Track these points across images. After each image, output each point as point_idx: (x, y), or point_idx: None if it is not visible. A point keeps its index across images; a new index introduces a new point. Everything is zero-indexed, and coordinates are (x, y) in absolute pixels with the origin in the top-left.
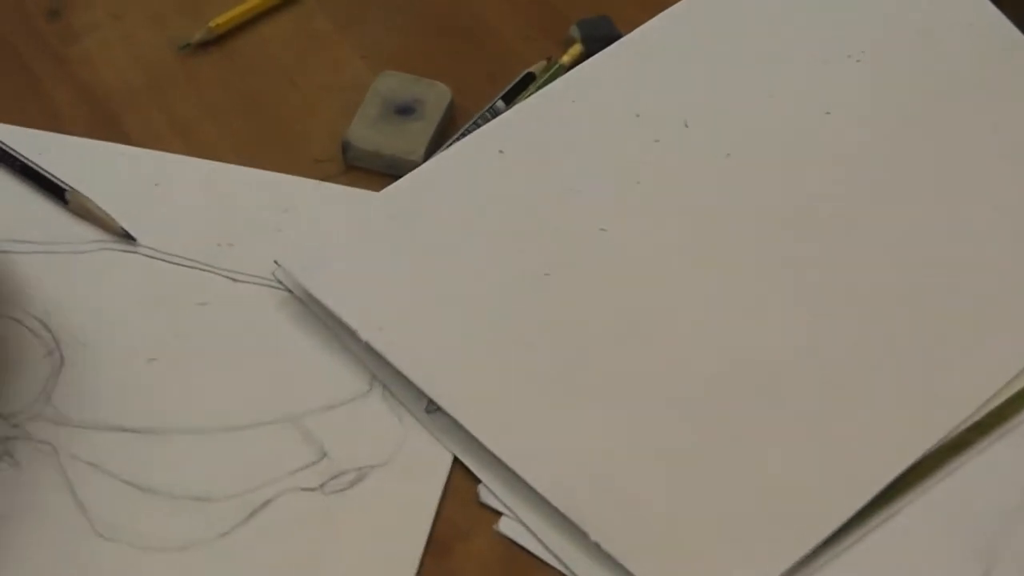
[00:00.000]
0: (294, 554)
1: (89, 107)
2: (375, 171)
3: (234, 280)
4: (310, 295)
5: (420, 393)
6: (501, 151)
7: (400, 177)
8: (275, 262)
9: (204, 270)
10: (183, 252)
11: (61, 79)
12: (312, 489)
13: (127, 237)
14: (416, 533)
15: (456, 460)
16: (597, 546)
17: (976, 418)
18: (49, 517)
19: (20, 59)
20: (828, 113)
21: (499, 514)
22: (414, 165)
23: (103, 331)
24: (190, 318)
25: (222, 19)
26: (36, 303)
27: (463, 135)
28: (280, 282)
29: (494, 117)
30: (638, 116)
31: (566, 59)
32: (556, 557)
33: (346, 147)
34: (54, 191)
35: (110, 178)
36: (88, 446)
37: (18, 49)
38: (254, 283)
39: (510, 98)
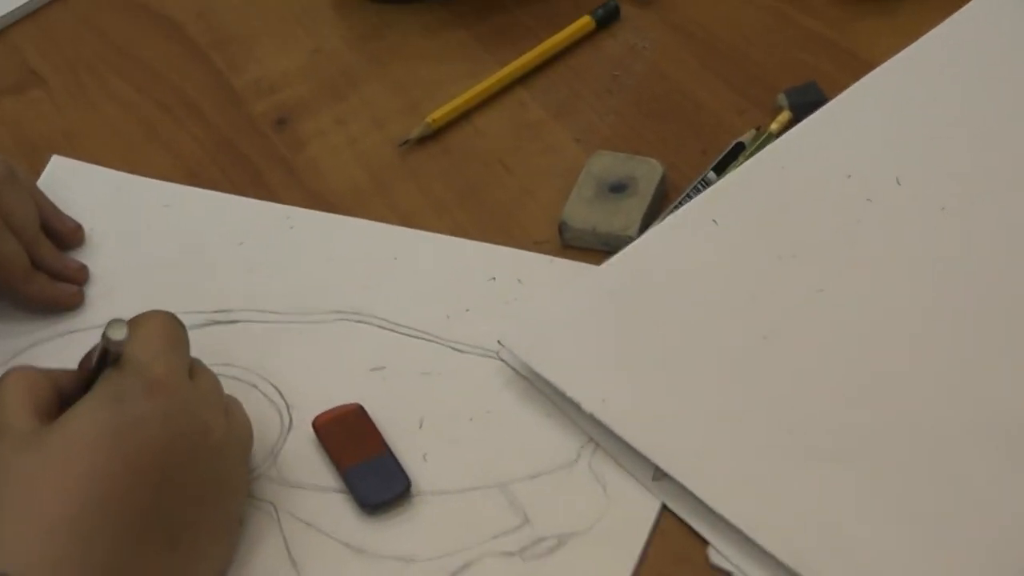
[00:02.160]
0: None
1: (321, 209)
2: (592, 249)
3: (459, 351)
4: (532, 370)
5: (645, 461)
6: (715, 221)
7: (615, 253)
8: (499, 341)
9: (431, 341)
10: (412, 323)
11: (291, 185)
12: (512, 554)
13: None
14: None
15: (680, 522)
16: None
17: None
18: (263, 571)
19: (254, 168)
20: None
21: (730, 575)
22: (629, 241)
23: (330, 396)
24: (413, 386)
25: (438, 114)
26: (273, 370)
27: (676, 207)
28: (503, 359)
29: (706, 188)
30: (849, 177)
31: (775, 127)
32: None
33: (563, 227)
34: None
35: (353, 250)
36: (305, 506)
37: (251, 159)
38: (477, 354)
39: (721, 169)
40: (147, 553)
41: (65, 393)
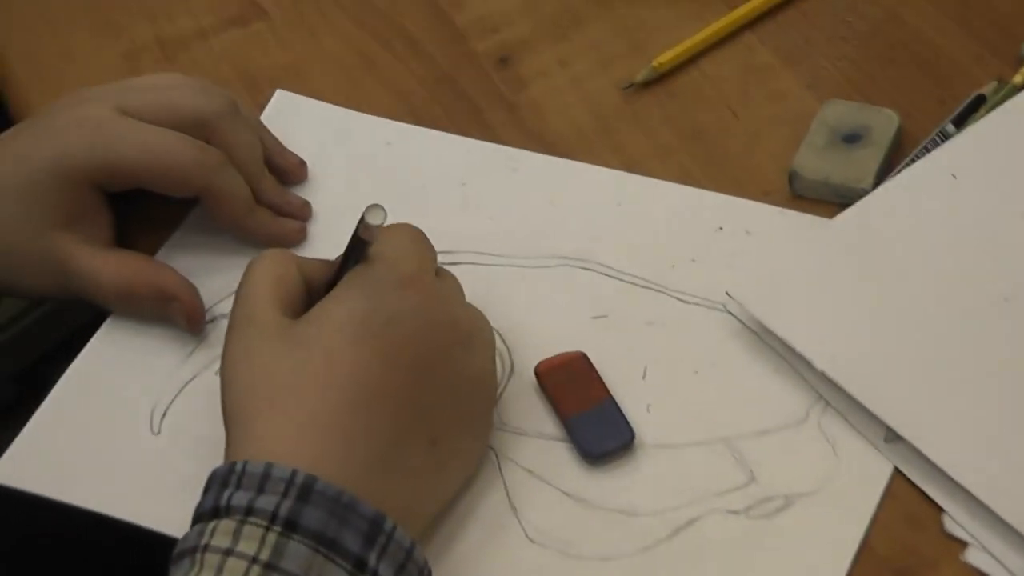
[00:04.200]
0: (714, 574)
1: (542, 151)
2: (822, 200)
3: (683, 302)
4: (761, 324)
5: (877, 422)
6: (954, 175)
7: (848, 206)
8: (727, 293)
9: (656, 290)
10: (637, 271)
11: (512, 125)
12: (737, 512)
13: None
14: (838, 566)
15: (913, 486)
16: None
17: None
18: (484, 517)
19: (474, 107)
20: None
21: (965, 544)
22: (863, 193)
23: (552, 343)
24: (637, 336)
25: (665, 58)
26: (495, 313)
27: (912, 160)
28: (730, 312)
29: (944, 141)
30: None
31: (1018, 79)
32: None
33: (793, 177)
34: None
35: (577, 195)
36: (527, 453)
37: (472, 98)
38: (702, 305)
39: (960, 121)
40: (408, 449)
41: (313, 284)
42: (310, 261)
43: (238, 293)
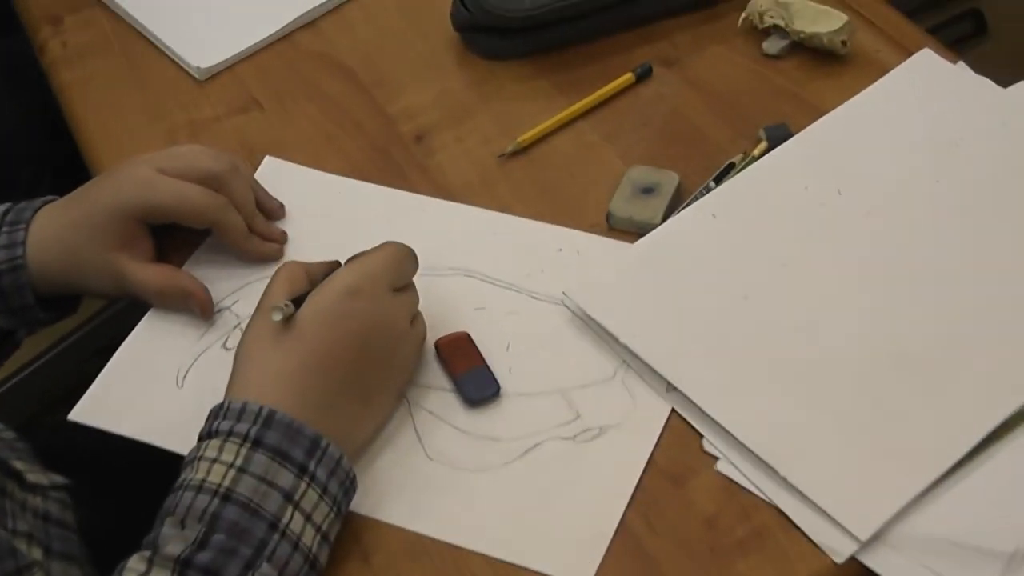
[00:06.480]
0: (552, 480)
1: (444, 198)
2: (629, 232)
3: (535, 299)
4: (586, 313)
5: (661, 378)
6: (714, 215)
7: (644, 235)
8: (564, 292)
9: (517, 291)
10: (504, 278)
11: (425, 181)
12: (567, 438)
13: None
14: (634, 470)
15: (684, 420)
16: (785, 479)
17: None
18: (398, 443)
19: (399, 169)
20: (937, 182)
21: (717, 458)
22: (655, 226)
23: (448, 325)
24: (504, 321)
25: (526, 136)
26: None
27: (687, 205)
28: (566, 305)
29: (708, 193)
30: (806, 188)
31: (756, 152)
32: (758, 488)
33: (609, 216)
34: None
35: (466, 227)
36: (429, 400)
37: (398, 163)
38: (547, 301)
39: (719, 180)
40: (347, 402)
41: (316, 280)
42: (314, 264)
43: (265, 289)
